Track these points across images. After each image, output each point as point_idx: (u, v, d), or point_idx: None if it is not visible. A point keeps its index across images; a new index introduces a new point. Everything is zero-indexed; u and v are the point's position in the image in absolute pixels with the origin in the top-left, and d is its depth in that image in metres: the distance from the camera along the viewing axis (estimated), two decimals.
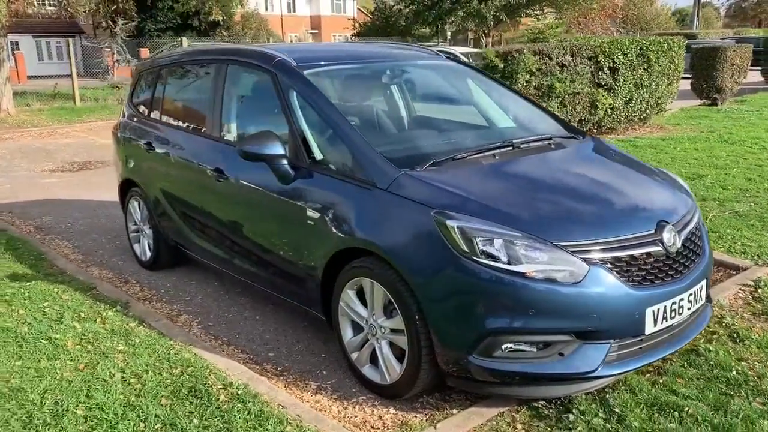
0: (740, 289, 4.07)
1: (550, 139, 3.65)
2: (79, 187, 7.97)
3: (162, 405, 2.91)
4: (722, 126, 10.74)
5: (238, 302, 4.32)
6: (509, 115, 4.22)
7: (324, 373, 3.36)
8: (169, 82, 4.89)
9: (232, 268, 4.10)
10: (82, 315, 3.95)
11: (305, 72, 3.62)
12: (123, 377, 3.18)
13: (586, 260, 2.66)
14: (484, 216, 2.74)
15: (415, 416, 2.92)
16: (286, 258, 3.52)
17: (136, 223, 5.14)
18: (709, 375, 3.05)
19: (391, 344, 3.03)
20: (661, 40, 10.98)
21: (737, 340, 3.39)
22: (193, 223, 4.37)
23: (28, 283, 4.46)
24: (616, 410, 2.77)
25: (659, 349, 2.87)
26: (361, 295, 3.13)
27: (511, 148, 3.42)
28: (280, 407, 2.87)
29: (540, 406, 2.87)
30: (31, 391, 3.04)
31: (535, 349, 2.69)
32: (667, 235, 2.87)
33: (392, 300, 2.89)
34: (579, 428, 2.68)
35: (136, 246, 5.20)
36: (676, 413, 2.73)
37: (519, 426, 2.76)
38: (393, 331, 2.98)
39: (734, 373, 3.05)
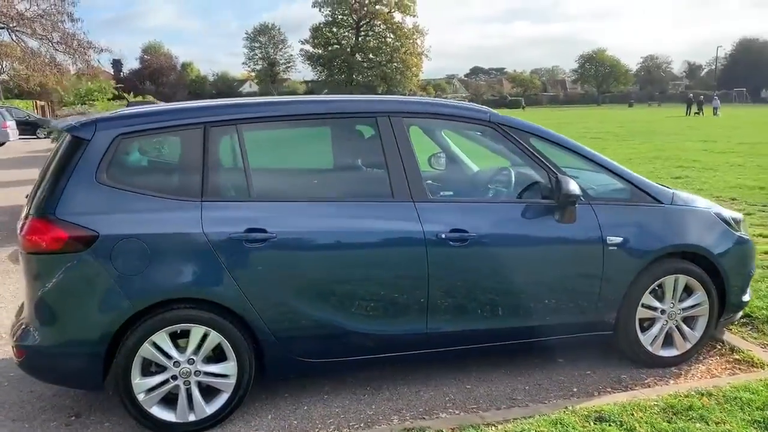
0: None
1: None
2: None
3: None
4: None
5: (462, 371, 4.16)
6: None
7: (626, 372, 4.08)
8: (250, 147, 3.60)
9: (466, 339, 3.83)
10: None
11: (526, 122, 4.10)
12: None
13: None
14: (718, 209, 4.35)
15: (711, 360, 4.24)
16: (578, 292, 3.90)
17: (168, 369, 3.35)
18: None
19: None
20: None
21: None
22: (398, 308, 3.66)
23: None
24: None
25: None
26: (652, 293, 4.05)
27: None
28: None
29: (734, 327, 4.70)
30: None
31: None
32: None
33: (696, 283, 4.06)
34: None
35: (155, 408, 3.35)
36: None
37: (751, 338, 4.53)
38: (685, 309, 4.11)
39: None
